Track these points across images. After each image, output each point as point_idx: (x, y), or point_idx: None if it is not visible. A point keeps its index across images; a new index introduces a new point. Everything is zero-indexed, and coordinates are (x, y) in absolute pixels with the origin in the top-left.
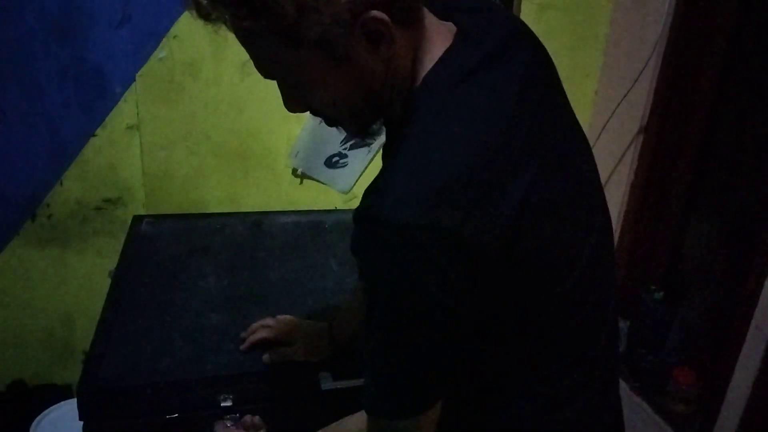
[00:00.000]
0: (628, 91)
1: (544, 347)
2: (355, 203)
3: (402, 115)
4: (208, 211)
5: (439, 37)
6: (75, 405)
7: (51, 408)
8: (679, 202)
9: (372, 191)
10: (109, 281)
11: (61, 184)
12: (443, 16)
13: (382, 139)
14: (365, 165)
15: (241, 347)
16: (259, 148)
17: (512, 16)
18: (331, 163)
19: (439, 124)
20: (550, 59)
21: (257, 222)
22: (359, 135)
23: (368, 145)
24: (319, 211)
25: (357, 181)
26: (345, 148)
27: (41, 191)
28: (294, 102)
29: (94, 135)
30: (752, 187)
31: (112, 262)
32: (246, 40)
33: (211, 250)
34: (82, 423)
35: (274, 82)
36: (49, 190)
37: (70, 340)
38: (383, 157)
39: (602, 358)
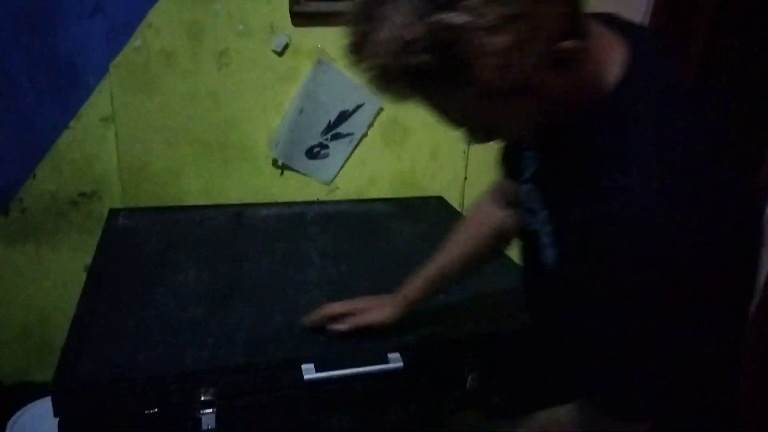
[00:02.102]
0: None
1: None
2: (337, 195)
3: (596, 121)
4: (186, 204)
5: (611, 43)
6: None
7: (27, 406)
8: None
9: (611, 191)
10: (85, 276)
11: (35, 177)
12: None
13: (363, 129)
14: (347, 156)
15: (307, 321)
16: (238, 139)
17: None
18: (312, 153)
19: (664, 123)
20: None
21: (237, 214)
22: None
23: (350, 135)
24: (300, 203)
25: (339, 172)
26: (326, 139)
27: (14, 185)
28: (480, 137)
29: (67, 127)
30: None
31: (88, 257)
32: (440, 107)
33: (190, 244)
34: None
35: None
36: (22, 184)
37: (46, 337)
38: (550, 160)
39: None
